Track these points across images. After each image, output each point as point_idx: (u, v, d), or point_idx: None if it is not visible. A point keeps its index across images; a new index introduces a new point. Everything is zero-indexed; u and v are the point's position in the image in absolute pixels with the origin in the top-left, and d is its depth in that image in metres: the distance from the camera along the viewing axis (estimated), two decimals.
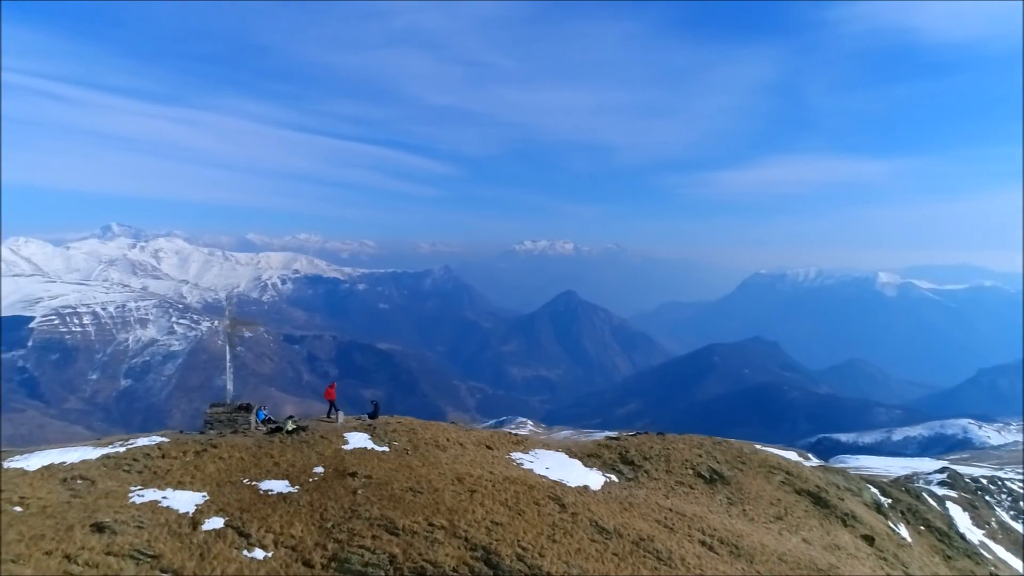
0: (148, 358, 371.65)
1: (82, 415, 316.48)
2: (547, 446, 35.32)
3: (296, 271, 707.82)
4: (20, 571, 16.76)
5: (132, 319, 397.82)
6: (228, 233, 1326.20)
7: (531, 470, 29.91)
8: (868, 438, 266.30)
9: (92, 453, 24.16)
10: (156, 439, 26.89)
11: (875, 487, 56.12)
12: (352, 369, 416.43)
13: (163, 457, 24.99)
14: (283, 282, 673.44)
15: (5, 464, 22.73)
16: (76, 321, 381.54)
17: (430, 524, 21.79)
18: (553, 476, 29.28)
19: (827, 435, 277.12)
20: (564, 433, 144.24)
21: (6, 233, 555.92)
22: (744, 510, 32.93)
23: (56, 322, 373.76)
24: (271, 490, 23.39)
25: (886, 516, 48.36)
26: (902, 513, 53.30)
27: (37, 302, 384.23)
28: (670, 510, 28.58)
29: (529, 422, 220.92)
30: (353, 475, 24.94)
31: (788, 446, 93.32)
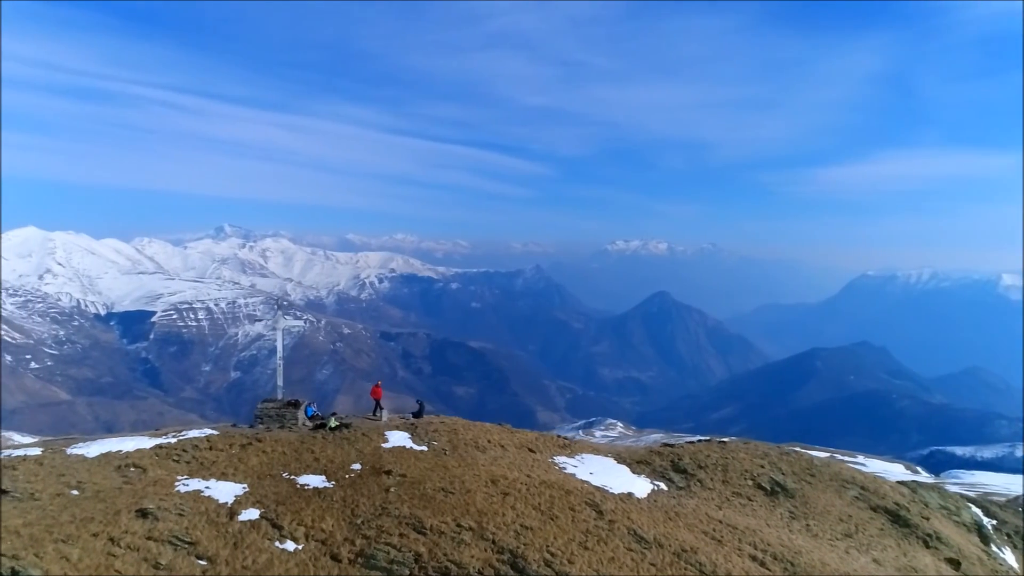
0: (255, 352, 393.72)
1: (196, 404, 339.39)
2: (596, 450, 34.44)
3: (392, 270, 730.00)
4: (68, 551, 18.03)
5: (241, 315, 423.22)
6: (329, 233, 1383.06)
7: (572, 475, 29.29)
8: (987, 452, 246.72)
9: (147, 443, 25.72)
10: (207, 431, 28.33)
11: (980, 507, 51.50)
12: (445, 367, 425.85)
13: (210, 449, 26.28)
14: (380, 281, 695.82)
15: (69, 450, 24.56)
16: (192, 316, 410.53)
17: (458, 525, 21.82)
18: (596, 482, 28.53)
19: (940, 448, 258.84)
20: (654, 436, 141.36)
21: (133, 234, 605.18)
22: (807, 525, 30.92)
23: (174, 317, 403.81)
24: (308, 484, 24.09)
25: (986, 539, 44.29)
26: (1008, 536, 48.70)
27: (158, 298, 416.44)
28: (720, 522, 27.26)
29: (619, 424, 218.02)
30: (388, 473, 25.27)
31: (896, 458, 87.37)
